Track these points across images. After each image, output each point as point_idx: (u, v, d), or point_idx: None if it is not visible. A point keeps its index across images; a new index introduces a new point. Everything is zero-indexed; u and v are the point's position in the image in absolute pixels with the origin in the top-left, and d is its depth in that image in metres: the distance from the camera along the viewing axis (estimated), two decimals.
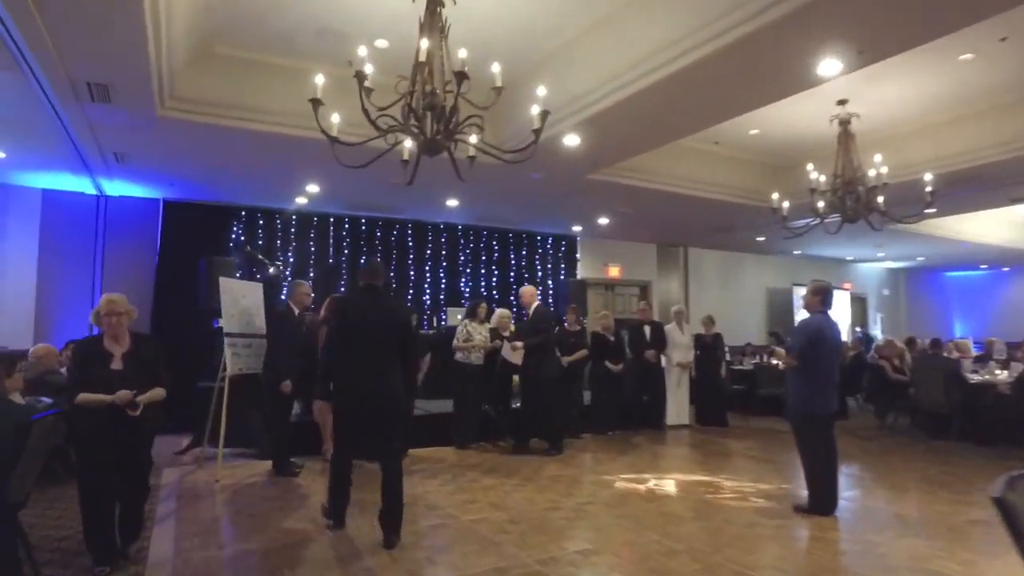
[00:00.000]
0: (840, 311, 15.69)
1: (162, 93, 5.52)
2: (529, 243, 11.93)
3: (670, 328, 9.28)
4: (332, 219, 10.17)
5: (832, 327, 5.07)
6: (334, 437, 4.49)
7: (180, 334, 8.52)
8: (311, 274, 9.93)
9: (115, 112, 5.63)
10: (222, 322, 5.97)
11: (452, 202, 9.44)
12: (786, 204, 6.96)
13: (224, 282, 6.05)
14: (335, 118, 4.11)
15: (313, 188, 8.52)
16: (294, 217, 9.85)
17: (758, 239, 12.78)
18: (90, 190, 8.68)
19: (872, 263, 16.64)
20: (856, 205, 6.39)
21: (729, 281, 14.65)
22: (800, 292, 15.62)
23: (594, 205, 9.71)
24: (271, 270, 7.51)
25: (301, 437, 6.58)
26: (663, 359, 9.14)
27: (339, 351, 4.22)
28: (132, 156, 7.08)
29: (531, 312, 7.44)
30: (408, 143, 4.40)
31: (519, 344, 7.16)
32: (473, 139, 4.27)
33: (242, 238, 9.48)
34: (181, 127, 6.08)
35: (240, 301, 6.18)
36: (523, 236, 11.84)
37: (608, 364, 8.45)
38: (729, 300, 14.04)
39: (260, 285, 6.65)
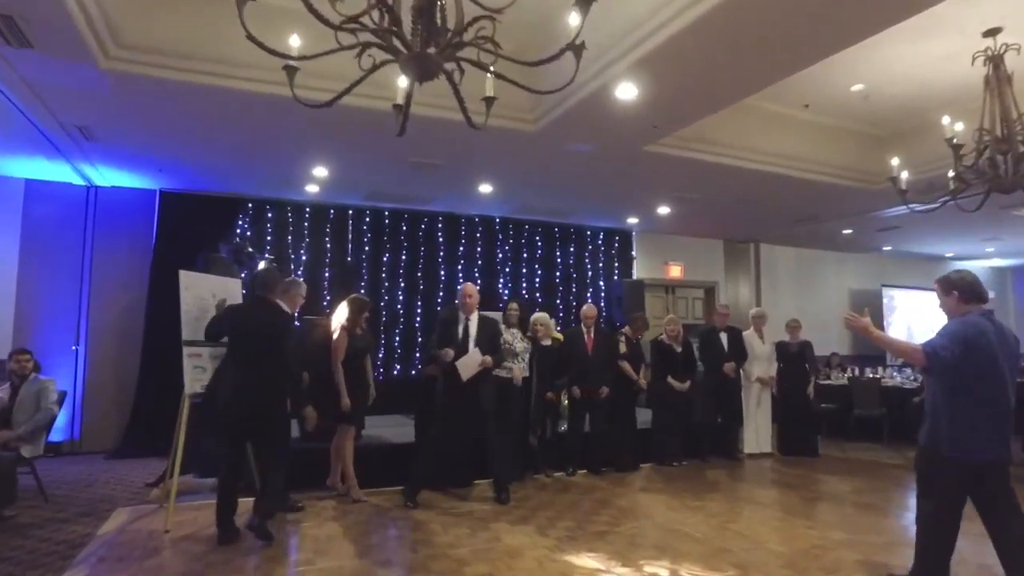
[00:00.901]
0: (935, 319, 13.63)
1: (99, 37, 4.35)
2: (577, 238, 10.46)
3: (748, 336, 7.66)
4: (351, 211, 8.95)
5: (1004, 334, 3.38)
6: (223, 439, 4.41)
7: (176, 339, 7.43)
8: (327, 274, 8.73)
9: (46, 63, 4.50)
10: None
11: (485, 187, 8.08)
12: (905, 175, 5.32)
13: (184, 277, 4.83)
14: (294, 40, 2.76)
15: (321, 172, 7.29)
16: (307, 210, 8.68)
17: (844, 232, 10.96)
18: (76, 180, 7.69)
19: (977, 260, 14.46)
20: (1019, 167, 4.70)
21: (807, 282, 12.80)
22: (891, 294, 13.78)
23: (653, 188, 8.18)
24: (261, 264, 6.32)
25: (300, 465, 5.31)
26: (740, 374, 7.54)
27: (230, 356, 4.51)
28: (98, 130, 5.97)
29: (476, 320, 5.44)
30: (401, 82, 3.02)
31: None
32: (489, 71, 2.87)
33: (248, 233, 8.36)
34: (136, 85, 4.91)
35: (207, 301, 4.94)
36: (570, 230, 10.39)
37: (672, 381, 6.91)
38: (807, 304, 12.18)
39: (238, 282, 5.42)
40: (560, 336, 6.70)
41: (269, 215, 8.49)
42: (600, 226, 10.59)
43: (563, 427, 6.60)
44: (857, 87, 6.35)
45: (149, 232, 8.00)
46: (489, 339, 5.38)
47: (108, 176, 7.57)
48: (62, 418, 7.69)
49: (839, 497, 5.69)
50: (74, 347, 7.72)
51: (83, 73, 4.66)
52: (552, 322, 6.68)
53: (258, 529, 4.18)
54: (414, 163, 6.90)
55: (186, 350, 4.67)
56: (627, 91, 4.98)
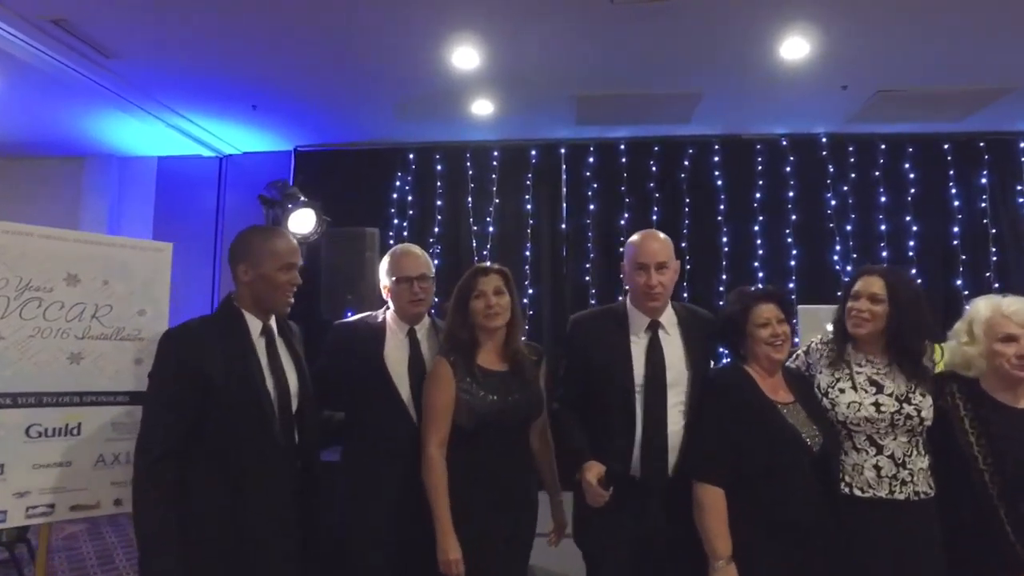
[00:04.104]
0: None
1: None
2: (994, 158, 5.45)
3: None
4: (563, 150, 5.58)
5: None
6: None
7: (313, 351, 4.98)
8: (527, 252, 5.50)
9: None
10: None
11: (792, 46, 3.94)
12: None
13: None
14: None
15: (470, 58, 4.05)
16: (495, 153, 5.58)
17: None
18: (203, 151, 5.81)
19: None
20: None
21: None
22: None
23: None
24: (301, 220, 3.37)
25: None
26: None
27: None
28: (85, 25, 3.65)
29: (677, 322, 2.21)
30: None
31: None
32: None
33: (409, 198, 5.60)
34: None
35: (52, 289, 2.01)
36: (978, 146, 5.45)
37: None
38: None
39: (164, 250, 2.38)
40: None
41: (439, 168, 5.60)
42: None
43: None
44: None
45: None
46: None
47: (223, 134, 5.52)
48: None
49: None
50: None
51: None
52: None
53: None
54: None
55: None
56: None
